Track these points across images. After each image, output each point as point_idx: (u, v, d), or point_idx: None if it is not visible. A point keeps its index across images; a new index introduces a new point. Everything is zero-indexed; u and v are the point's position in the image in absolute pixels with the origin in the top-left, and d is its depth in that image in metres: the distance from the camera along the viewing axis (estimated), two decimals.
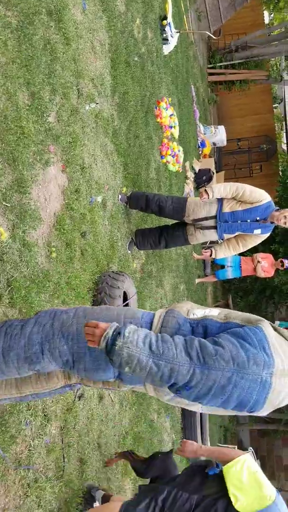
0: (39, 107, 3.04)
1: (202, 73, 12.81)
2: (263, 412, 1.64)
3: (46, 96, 3.17)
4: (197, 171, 9.12)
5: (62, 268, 3.16)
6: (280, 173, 12.96)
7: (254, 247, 4.68)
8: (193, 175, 8.84)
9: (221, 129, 11.55)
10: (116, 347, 1.55)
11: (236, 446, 8.97)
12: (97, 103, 4.11)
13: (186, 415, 5.93)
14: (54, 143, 3.23)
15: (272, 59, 15.73)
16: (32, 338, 1.82)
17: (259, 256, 7.46)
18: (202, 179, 9.13)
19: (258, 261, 7.39)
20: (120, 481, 3.72)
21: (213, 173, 9.55)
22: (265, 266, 7.33)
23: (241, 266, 7.62)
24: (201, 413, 6.23)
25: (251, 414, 1.66)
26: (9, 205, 2.59)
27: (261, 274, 7.40)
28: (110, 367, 1.80)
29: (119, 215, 4.51)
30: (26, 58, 2.90)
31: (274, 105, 16.79)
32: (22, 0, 2.90)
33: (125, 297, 3.92)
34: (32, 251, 2.77)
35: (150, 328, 1.79)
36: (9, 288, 2.51)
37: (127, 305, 3.98)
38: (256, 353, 1.54)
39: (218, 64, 13.77)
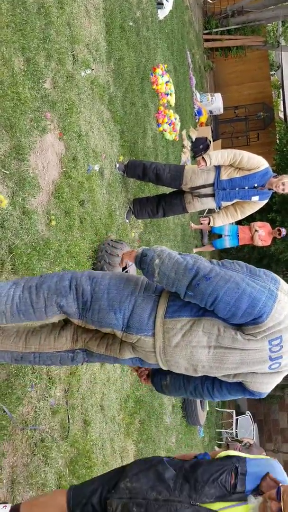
0: (35, 72, 3.01)
1: (198, 39, 12.54)
2: (267, 323, 1.72)
3: (42, 61, 3.13)
4: (194, 139, 9.04)
5: (61, 236, 3.18)
6: (278, 141, 12.85)
7: (251, 216, 4.70)
8: (190, 144, 8.76)
9: (218, 96, 11.38)
10: (148, 252, 1.95)
11: (234, 411, 9.16)
12: (92, 69, 4.06)
13: None
14: (51, 110, 3.21)
15: (269, 24, 15.34)
16: (63, 276, 2.06)
17: (257, 225, 7.48)
18: (199, 148, 9.04)
19: (256, 230, 7.41)
20: (122, 442, 3.85)
21: (210, 141, 9.46)
22: (263, 235, 7.36)
23: (238, 235, 7.65)
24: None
25: (258, 321, 1.72)
26: (8, 172, 2.59)
27: (259, 243, 7.44)
28: (121, 311, 1.93)
29: (117, 184, 4.51)
30: (20, 22, 2.86)
31: (271, 72, 16.50)
32: None
33: (124, 266, 3.96)
34: (32, 219, 2.79)
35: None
36: (11, 255, 2.54)
37: (127, 272, 4.02)
38: (264, 271, 1.86)
39: (214, 30, 13.46)
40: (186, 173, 4.40)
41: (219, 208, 4.57)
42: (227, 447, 8.39)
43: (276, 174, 4.28)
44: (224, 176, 4.26)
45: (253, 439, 8.68)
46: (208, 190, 4.37)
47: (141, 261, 1.95)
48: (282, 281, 1.83)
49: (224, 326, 1.81)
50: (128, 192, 4.83)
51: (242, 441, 8.50)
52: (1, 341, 2.14)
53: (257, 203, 4.38)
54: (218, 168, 4.28)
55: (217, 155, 4.16)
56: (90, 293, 1.98)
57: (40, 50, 3.10)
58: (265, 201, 4.39)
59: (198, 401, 6.00)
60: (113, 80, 4.66)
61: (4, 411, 2.29)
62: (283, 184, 4.16)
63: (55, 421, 2.80)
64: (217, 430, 9.06)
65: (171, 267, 1.85)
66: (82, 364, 3.19)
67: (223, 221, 4.58)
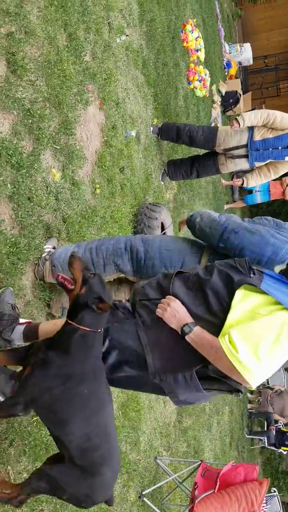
0: (76, 47, 3.14)
1: None
2: None
3: (81, 35, 3.25)
4: (223, 94, 8.95)
5: (106, 203, 3.41)
6: None
7: None
8: (219, 99, 8.69)
9: (247, 46, 11.07)
10: (194, 214, 2.40)
11: None
12: (127, 35, 4.13)
13: None
14: (92, 82, 3.35)
15: None
16: (119, 239, 2.44)
17: None
18: (229, 102, 8.97)
19: (287, 185, 7.45)
20: None
21: (240, 95, 9.34)
22: None
23: (269, 190, 7.71)
24: None
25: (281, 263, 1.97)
26: (58, 147, 2.80)
27: None
28: (172, 266, 2.28)
29: (152, 147, 4.65)
30: None
31: None
32: None
33: (162, 227, 4.18)
34: (81, 189, 3.01)
35: None
36: (65, 224, 2.78)
37: (164, 234, 4.25)
38: None
39: None
40: (219, 134, 4.49)
41: (253, 168, 4.66)
42: (259, 394, 8.80)
43: None
44: (258, 136, 4.33)
45: (284, 386, 9.08)
46: (242, 151, 4.46)
47: (189, 220, 2.44)
48: None
49: None
50: (162, 154, 4.98)
51: (274, 388, 8.91)
52: (58, 299, 2.46)
53: None
54: (251, 129, 4.35)
55: (250, 116, 4.23)
56: (143, 253, 2.35)
57: (80, 24, 3.22)
58: None
59: None
60: (145, 43, 4.71)
61: None
62: None
63: None
64: None
65: (207, 223, 2.26)
66: None
67: (257, 181, 4.69)
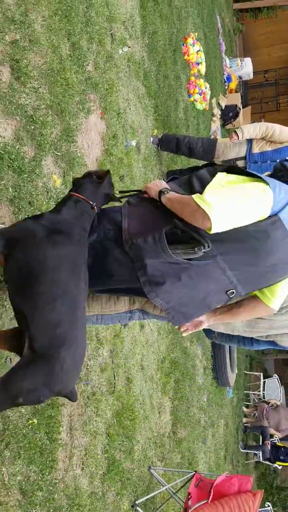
0: (79, 56, 3.19)
1: (228, 1, 12.27)
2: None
3: (85, 44, 3.31)
4: (223, 107, 9.04)
5: None
6: None
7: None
8: (219, 112, 8.78)
9: (247, 61, 11.21)
10: None
11: (262, 374, 9.47)
12: (129, 46, 4.20)
13: (216, 345, 6.37)
14: (94, 91, 3.40)
15: None
16: None
17: None
18: (229, 116, 9.06)
19: None
20: (160, 399, 4.19)
21: (240, 109, 9.44)
22: None
23: None
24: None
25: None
26: (59, 154, 2.83)
27: None
28: None
29: (152, 158, 4.70)
30: (66, 8, 3.03)
31: None
32: None
33: None
34: None
35: None
36: None
37: None
38: None
39: None
40: (218, 146, 4.54)
41: None
42: (255, 408, 8.77)
43: None
44: (256, 149, 4.37)
45: (280, 401, 9.04)
46: (240, 163, 4.50)
47: None
48: None
49: None
50: (162, 164, 5.02)
51: (269, 402, 8.87)
52: None
53: None
54: (250, 141, 4.40)
55: (249, 129, 4.28)
56: None
57: (83, 34, 3.28)
58: None
59: (228, 363, 6.32)
60: (147, 55, 4.78)
61: None
62: None
63: (103, 378, 3.13)
64: (245, 392, 9.43)
65: None
66: (124, 327, 3.50)
67: None
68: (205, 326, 2.11)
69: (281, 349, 2.38)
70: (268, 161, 4.34)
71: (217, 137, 7.92)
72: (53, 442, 2.46)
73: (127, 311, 2.38)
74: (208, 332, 2.56)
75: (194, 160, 5.39)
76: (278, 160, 4.34)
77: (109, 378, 3.21)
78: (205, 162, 4.84)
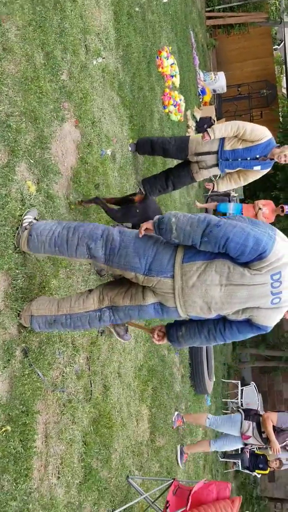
0: (53, 65, 3.22)
1: (201, 17, 12.54)
2: (270, 258, 2.09)
3: (59, 54, 3.34)
4: (198, 119, 9.20)
5: (80, 217, 3.44)
6: (281, 119, 12.95)
7: (255, 194, 4.90)
8: (194, 124, 8.92)
9: (221, 75, 11.46)
10: (164, 215, 2.31)
11: (239, 382, 9.51)
12: (103, 58, 4.25)
13: (194, 352, 6.40)
14: (68, 100, 3.43)
15: (271, 0, 15.25)
16: (99, 226, 2.50)
17: (260, 203, 7.67)
18: (203, 128, 9.19)
19: (259, 208, 7.61)
20: (138, 406, 4.18)
21: (214, 121, 9.61)
22: (266, 212, 7.55)
23: (242, 214, 7.87)
24: (207, 351, 6.70)
25: (262, 256, 2.09)
26: (33, 161, 2.84)
27: (262, 220, 7.66)
28: (145, 257, 2.32)
29: (127, 166, 4.74)
30: (40, 19, 3.06)
31: (274, 47, 16.43)
32: None
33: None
34: (55, 203, 3.05)
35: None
36: None
37: None
38: (263, 222, 2.25)
39: (216, 7, 13.43)
40: (190, 144, 4.59)
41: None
42: None
43: (279, 145, 4.43)
44: (228, 146, 4.42)
45: (257, 409, 9.08)
46: (213, 160, 4.53)
47: (159, 223, 2.31)
48: (278, 230, 2.21)
49: (233, 265, 2.18)
50: (137, 174, 5.07)
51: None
52: (37, 308, 2.49)
53: (259, 171, 4.57)
54: (222, 139, 4.45)
55: (220, 128, 4.35)
56: (119, 242, 2.38)
57: (57, 44, 3.31)
58: (267, 170, 4.57)
59: (205, 371, 6.34)
60: (122, 66, 4.85)
61: (38, 374, 2.59)
62: (285, 155, 4.32)
63: (80, 385, 3.11)
64: (223, 400, 9.46)
65: (186, 222, 2.22)
66: (101, 334, 3.49)
67: (227, 186, 4.81)
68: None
69: (254, 334, 2.38)
70: (239, 159, 4.42)
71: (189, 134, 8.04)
72: (28, 450, 2.42)
73: (96, 309, 2.46)
74: (172, 333, 2.50)
75: (169, 164, 5.44)
76: (249, 158, 4.42)
77: (85, 385, 3.19)
78: (179, 162, 4.90)
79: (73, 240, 2.44)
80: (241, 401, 9.18)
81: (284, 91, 16.89)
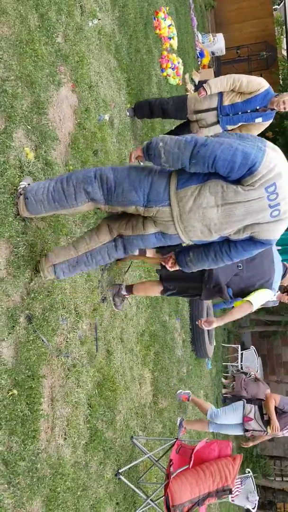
0: (48, 28, 3.13)
1: None
2: (261, 171, 2.10)
3: (53, 16, 3.24)
4: (196, 83, 9.00)
5: None
6: (281, 81, 12.69)
7: None
8: (193, 87, 8.74)
9: (220, 37, 11.16)
10: (152, 140, 2.32)
11: (239, 346, 9.64)
12: (99, 19, 4.13)
13: (194, 317, 6.47)
14: (64, 63, 3.35)
15: None
16: (89, 169, 2.50)
17: None
18: None
19: None
20: (140, 370, 4.26)
21: None
22: None
23: None
24: (207, 316, 6.78)
25: (252, 170, 2.10)
26: (30, 127, 2.80)
27: None
28: (141, 189, 2.35)
29: (126, 132, 4.68)
30: None
31: (273, 7, 15.93)
32: None
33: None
34: (54, 169, 3.02)
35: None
36: None
37: None
38: (252, 135, 2.23)
39: None
40: (189, 102, 4.52)
41: (226, 131, 4.72)
42: (234, 379, 8.96)
43: (277, 94, 4.31)
44: (226, 101, 4.35)
45: (257, 371, 9.26)
46: (212, 117, 4.45)
47: (148, 148, 2.33)
48: (268, 142, 2.20)
49: (226, 184, 2.19)
50: (136, 140, 5.00)
51: (247, 373, 9.07)
52: (56, 256, 2.60)
53: (262, 124, 4.47)
54: (220, 94, 4.37)
55: (216, 83, 4.28)
56: (113, 180, 2.38)
57: (51, 5, 3.21)
58: (270, 121, 4.46)
59: (206, 335, 6.44)
60: (118, 28, 4.72)
61: (43, 340, 2.64)
62: (283, 102, 4.17)
63: (84, 350, 3.17)
64: (223, 363, 9.63)
65: (174, 144, 2.23)
66: (102, 301, 3.53)
67: None
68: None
69: (259, 250, 2.42)
70: (239, 112, 4.34)
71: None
72: (35, 413, 2.49)
73: (111, 240, 2.59)
74: (181, 258, 2.63)
75: (170, 128, 5.36)
76: (249, 111, 4.35)
77: (89, 350, 3.24)
78: (180, 123, 4.82)
79: (69, 189, 2.43)
80: (241, 365, 9.36)
81: (284, 53, 16.47)
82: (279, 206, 2.16)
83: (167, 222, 2.36)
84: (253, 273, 3.63)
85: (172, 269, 2.71)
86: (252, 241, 2.34)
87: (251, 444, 6.35)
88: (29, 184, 2.60)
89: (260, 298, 3.63)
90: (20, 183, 2.57)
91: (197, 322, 4.04)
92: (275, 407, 5.32)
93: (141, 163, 3.41)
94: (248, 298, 3.60)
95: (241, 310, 3.64)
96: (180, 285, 3.84)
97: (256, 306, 3.62)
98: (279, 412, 5.34)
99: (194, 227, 2.31)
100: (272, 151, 2.15)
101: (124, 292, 3.85)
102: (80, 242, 2.60)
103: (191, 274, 3.10)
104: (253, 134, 2.20)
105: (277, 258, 3.79)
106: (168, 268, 2.72)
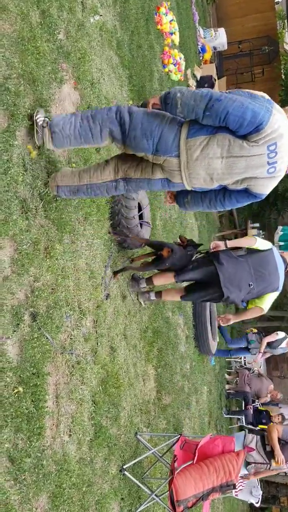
0: (50, 24, 3.13)
1: None
2: (266, 130, 2.28)
3: (55, 12, 3.24)
4: (198, 78, 8.98)
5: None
6: (283, 76, 12.63)
7: None
8: (195, 83, 8.72)
9: (221, 31, 11.11)
10: (170, 90, 2.48)
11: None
12: (100, 15, 4.12)
13: (197, 314, 6.48)
14: (66, 60, 3.35)
15: None
16: (112, 108, 2.66)
17: None
18: (204, 87, 9.00)
19: None
20: (144, 367, 4.27)
21: (215, 79, 9.39)
22: None
23: None
24: (210, 313, 6.78)
25: (259, 128, 2.27)
26: (33, 125, 2.80)
27: None
28: (152, 138, 2.52)
29: None
30: None
31: (275, 1, 15.82)
32: None
33: (139, 208, 4.22)
34: (57, 168, 3.02)
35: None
36: (42, 202, 2.79)
37: (141, 215, 4.29)
38: (262, 94, 2.36)
39: None
40: None
41: None
42: (237, 375, 8.98)
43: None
44: None
45: (260, 367, 9.28)
46: None
47: (166, 97, 2.49)
48: (275, 103, 2.37)
49: (233, 138, 2.37)
50: None
51: (251, 368, 9.08)
52: (61, 178, 2.79)
53: None
54: None
55: None
56: (128, 124, 2.57)
57: (53, 1, 3.20)
58: None
59: (209, 331, 6.44)
60: (119, 24, 4.70)
61: (47, 338, 2.65)
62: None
63: (88, 347, 3.18)
64: (226, 359, 9.64)
65: (190, 96, 2.39)
66: (106, 298, 3.53)
67: None
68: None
69: (250, 202, 2.69)
70: None
71: None
72: (40, 410, 2.50)
73: (113, 180, 2.77)
74: (180, 198, 2.91)
75: None
76: None
77: (93, 347, 3.25)
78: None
79: (96, 128, 2.62)
80: (244, 360, 9.37)
81: (286, 47, 16.38)
82: (276, 164, 2.38)
83: (174, 171, 2.57)
84: (263, 287, 3.99)
85: (170, 204, 3.03)
86: (246, 193, 2.59)
87: (252, 478, 6.02)
88: (46, 117, 2.75)
89: (270, 302, 4.14)
90: (37, 116, 2.70)
91: (217, 319, 4.88)
92: (278, 439, 5.10)
93: None
94: (260, 304, 4.11)
95: (253, 313, 4.21)
96: (200, 295, 4.22)
97: (266, 310, 4.15)
98: (282, 443, 5.12)
99: (198, 174, 2.52)
100: (278, 113, 2.31)
101: (153, 298, 4.28)
102: (85, 173, 2.81)
103: (210, 290, 4.01)
104: (263, 95, 2.36)
105: (279, 260, 4.05)
106: (167, 203, 3.06)
